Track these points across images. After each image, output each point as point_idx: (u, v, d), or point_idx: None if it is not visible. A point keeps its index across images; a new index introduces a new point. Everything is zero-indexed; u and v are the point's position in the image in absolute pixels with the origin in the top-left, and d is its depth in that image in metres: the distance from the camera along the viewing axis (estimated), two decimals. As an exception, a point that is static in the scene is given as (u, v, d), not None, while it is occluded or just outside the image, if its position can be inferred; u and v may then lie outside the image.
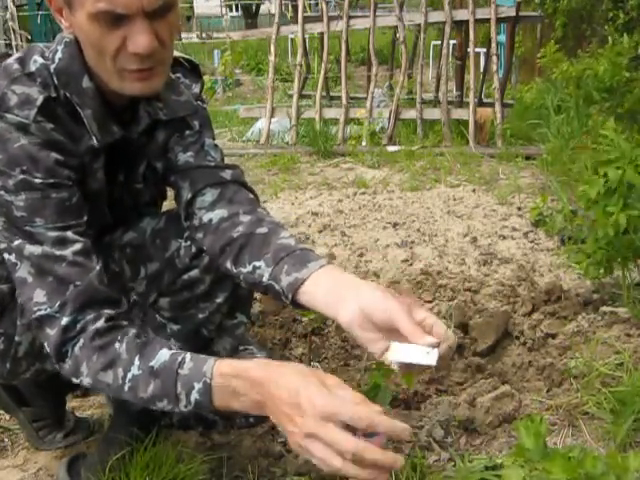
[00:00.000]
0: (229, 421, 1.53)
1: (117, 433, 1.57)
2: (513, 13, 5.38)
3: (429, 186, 4.28)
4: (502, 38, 6.56)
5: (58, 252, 1.18)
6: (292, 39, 10.41)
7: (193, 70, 1.49)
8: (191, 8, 19.45)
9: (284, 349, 2.31)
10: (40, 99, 1.20)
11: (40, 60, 1.24)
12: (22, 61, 1.24)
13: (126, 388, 1.13)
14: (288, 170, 4.85)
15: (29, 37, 10.14)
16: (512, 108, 5.67)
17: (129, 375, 1.12)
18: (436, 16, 5.65)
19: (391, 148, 5.20)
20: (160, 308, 1.43)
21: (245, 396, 1.05)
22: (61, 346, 1.16)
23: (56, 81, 1.23)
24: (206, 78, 5.90)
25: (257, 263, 1.24)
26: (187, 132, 1.42)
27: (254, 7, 19.26)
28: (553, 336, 2.21)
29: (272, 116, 5.79)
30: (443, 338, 1.08)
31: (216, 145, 1.46)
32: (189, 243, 1.35)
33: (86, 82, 1.24)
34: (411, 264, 2.97)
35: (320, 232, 3.47)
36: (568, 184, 3.71)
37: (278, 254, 1.22)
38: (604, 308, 2.30)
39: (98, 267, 1.22)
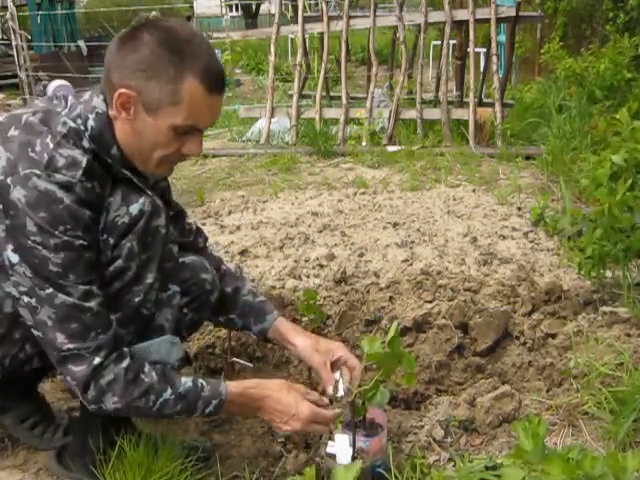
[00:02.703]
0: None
1: (92, 420, 1.60)
2: (513, 13, 5.38)
3: (429, 186, 4.28)
4: (502, 38, 6.56)
5: (87, 304, 1.37)
6: (292, 39, 10.41)
7: None
8: (191, 8, 19.48)
9: (284, 349, 2.31)
10: (84, 161, 1.36)
11: (70, 123, 1.39)
12: (46, 122, 1.38)
13: (154, 409, 1.43)
14: (288, 170, 4.85)
15: (29, 37, 10.15)
16: (512, 108, 5.68)
17: (161, 400, 1.43)
18: (436, 16, 5.65)
19: (391, 148, 5.20)
20: None
21: (246, 405, 1.55)
22: (89, 380, 1.38)
23: (91, 144, 1.40)
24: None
25: (231, 316, 1.81)
26: None
27: (254, 7, 19.26)
28: (553, 336, 2.21)
29: (272, 116, 5.79)
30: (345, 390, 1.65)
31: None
32: (106, 236, 1.41)
33: (114, 150, 1.43)
34: (411, 264, 2.97)
35: (320, 232, 3.47)
36: (569, 184, 3.71)
37: (244, 310, 1.80)
38: (604, 308, 2.31)
39: (112, 317, 1.43)
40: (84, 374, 1.38)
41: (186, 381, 1.47)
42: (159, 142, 1.40)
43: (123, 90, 1.34)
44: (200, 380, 1.50)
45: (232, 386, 1.52)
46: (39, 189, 1.30)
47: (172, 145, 1.41)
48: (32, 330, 1.42)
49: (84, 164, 1.35)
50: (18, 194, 1.30)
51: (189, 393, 1.46)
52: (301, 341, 1.74)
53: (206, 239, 1.90)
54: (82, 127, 1.39)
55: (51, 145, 1.34)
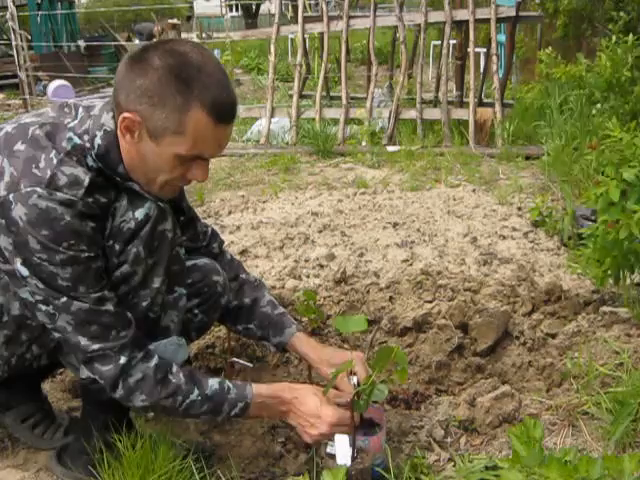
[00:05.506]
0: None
1: (92, 420, 1.62)
2: (513, 13, 5.39)
3: (429, 186, 4.28)
4: (502, 38, 6.57)
5: (102, 307, 1.39)
6: (292, 39, 10.41)
7: None
8: (191, 8, 19.50)
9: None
10: (87, 180, 1.34)
11: (76, 140, 1.37)
12: (52, 137, 1.36)
13: (181, 409, 1.47)
14: (288, 170, 4.85)
15: (29, 37, 10.15)
16: (512, 108, 5.67)
17: (187, 401, 1.46)
18: (436, 16, 5.66)
19: (391, 148, 5.20)
20: None
21: (273, 408, 1.56)
22: (117, 379, 1.42)
23: (96, 162, 1.38)
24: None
25: (249, 326, 1.81)
26: None
27: (254, 7, 19.28)
28: (553, 336, 2.21)
29: (272, 116, 5.79)
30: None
31: None
32: (111, 242, 1.41)
33: (121, 168, 1.41)
34: (411, 264, 2.97)
35: (320, 232, 3.47)
36: (569, 184, 3.71)
37: (262, 322, 1.80)
38: (604, 308, 2.30)
39: (129, 314, 1.44)
40: (111, 374, 1.41)
41: (213, 383, 1.50)
42: (162, 168, 1.38)
43: (128, 115, 1.32)
44: (227, 382, 1.52)
45: (261, 389, 1.55)
46: (40, 207, 1.29)
47: (176, 171, 1.39)
48: (54, 333, 1.42)
49: (86, 183, 1.33)
50: (19, 212, 1.29)
51: (215, 395, 1.49)
52: (317, 357, 1.75)
53: (222, 243, 1.88)
54: (88, 144, 1.37)
55: (54, 162, 1.32)
